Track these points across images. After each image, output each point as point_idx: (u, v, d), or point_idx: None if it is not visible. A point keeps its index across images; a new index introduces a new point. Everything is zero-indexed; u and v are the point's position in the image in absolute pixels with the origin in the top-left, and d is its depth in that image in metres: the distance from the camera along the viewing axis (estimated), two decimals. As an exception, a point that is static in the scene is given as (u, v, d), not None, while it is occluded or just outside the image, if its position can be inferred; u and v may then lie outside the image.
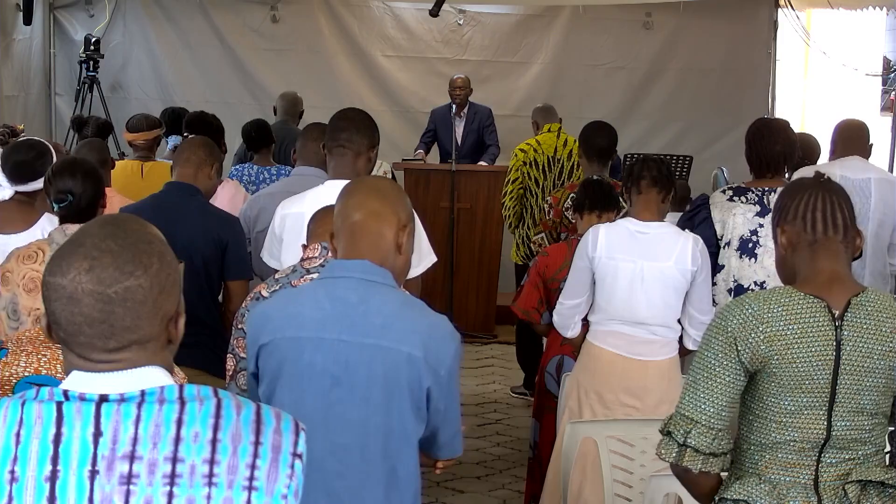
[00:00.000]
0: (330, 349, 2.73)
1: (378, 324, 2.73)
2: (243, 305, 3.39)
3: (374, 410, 2.73)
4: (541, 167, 7.48)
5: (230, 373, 3.35)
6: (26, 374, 2.71)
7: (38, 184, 4.32)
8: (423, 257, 4.07)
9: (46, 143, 4.57)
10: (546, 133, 7.61)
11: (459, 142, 9.01)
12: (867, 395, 2.67)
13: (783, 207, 2.80)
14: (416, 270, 3.74)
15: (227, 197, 5.62)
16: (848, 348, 2.65)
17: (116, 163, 6.57)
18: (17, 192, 4.38)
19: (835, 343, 2.65)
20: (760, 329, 2.65)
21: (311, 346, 2.74)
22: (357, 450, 2.74)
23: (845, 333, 2.65)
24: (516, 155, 7.67)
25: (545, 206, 6.32)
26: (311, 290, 2.89)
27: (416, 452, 2.82)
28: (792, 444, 2.69)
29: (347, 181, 3.90)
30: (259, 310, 2.91)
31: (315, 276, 3.28)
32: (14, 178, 4.32)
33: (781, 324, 2.65)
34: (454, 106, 9.23)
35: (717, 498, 2.77)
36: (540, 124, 7.90)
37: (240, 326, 3.34)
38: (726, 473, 2.77)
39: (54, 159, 4.39)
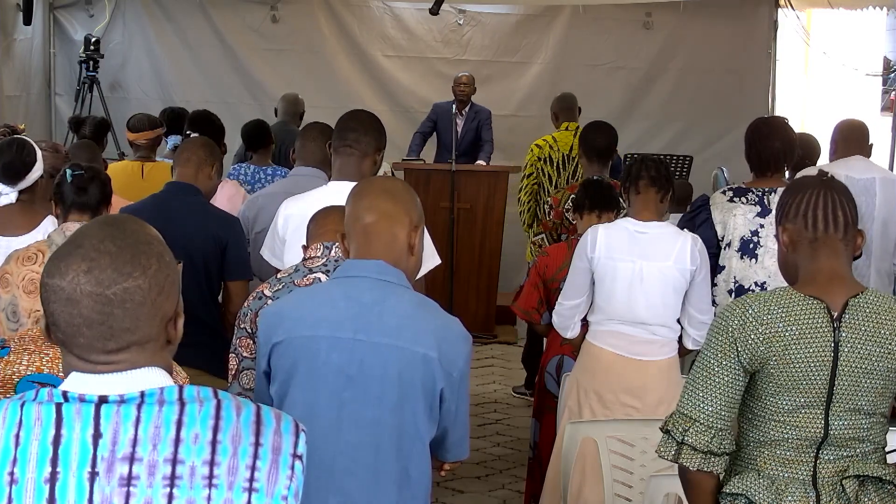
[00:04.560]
0: (345, 348, 2.74)
1: (393, 324, 2.74)
2: (245, 305, 3.38)
3: (387, 410, 2.74)
4: (555, 164, 7.46)
5: (233, 372, 3.35)
6: (28, 372, 2.71)
7: (35, 173, 4.33)
8: (427, 259, 4.07)
9: (22, 137, 4.58)
10: (564, 131, 7.58)
11: (459, 139, 9.02)
12: (864, 396, 2.67)
13: (785, 205, 2.80)
14: (419, 272, 3.74)
15: (227, 197, 5.62)
16: (846, 350, 2.65)
17: (117, 163, 6.59)
18: (19, 194, 4.37)
19: (833, 344, 2.65)
20: (759, 330, 2.65)
21: (326, 345, 2.75)
22: (370, 449, 2.75)
23: (843, 335, 2.65)
24: (532, 150, 7.64)
25: (546, 207, 6.32)
26: (326, 290, 2.90)
27: (428, 453, 2.83)
28: (789, 441, 2.70)
29: (351, 182, 3.93)
30: (273, 308, 2.91)
31: (319, 275, 3.28)
32: (10, 178, 4.32)
33: (780, 325, 2.65)
34: (461, 105, 9.25)
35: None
36: (559, 117, 7.85)
37: (242, 326, 3.34)
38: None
39: (37, 148, 4.40)
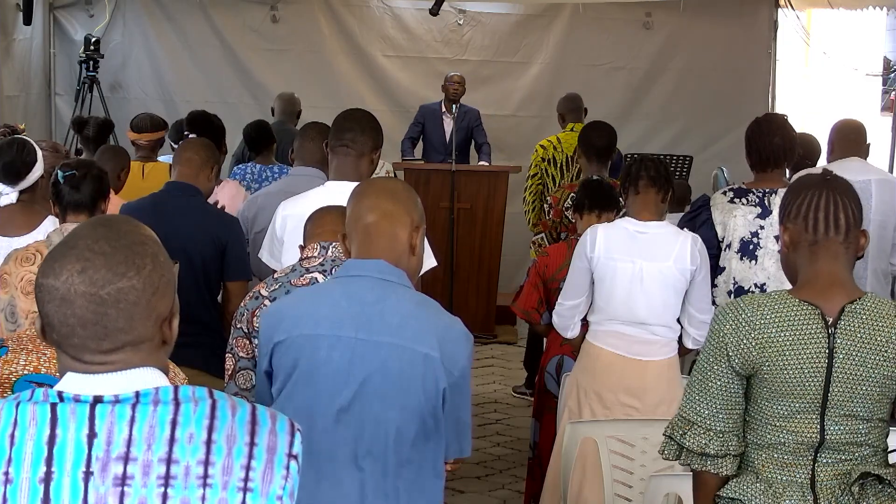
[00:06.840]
0: (346, 347, 2.74)
1: (395, 323, 2.75)
2: (242, 305, 3.39)
3: (389, 409, 2.74)
4: (559, 165, 7.44)
5: (229, 372, 3.35)
6: (26, 372, 2.71)
7: (35, 173, 4.33)
8: (424, 260, 4.06)
9: (22, 137, 4.57)
10: (569, 132, 7.55)
11: (448, 139, 9.00)
12: (860, 403, 2.66)
13: (787, 205, 2.78)
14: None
15: (229, 196, 5.62)
16: (841, 356, 2.63)
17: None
18: (19, 193, 4.37)
19: (827, 351, 2.64)
20: (752, 336, 2.65)
21: (327, 344, 2.75)
22: (371, 448, 2.75)
23: (838, 341, 2.64)
24: (536, 150, 7.63)
25: (545, 206, 6.31)
26: (327, 289, 2.90)
27: (430, 452, 2.82)
28: (787, 445, 2.69)
29: (348, 182, 3.93)
30: (274, 308, 2.92)
31: (316, 275, 3.29)
32: (10, 179, 4.32)
33: (774, 331, 2.64)
34: (451, 104, 9.22)
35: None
36: (566, 118, 7.82)
37: (238, 326, 3.34)
38: None
39: (37, 148, 4.40)
